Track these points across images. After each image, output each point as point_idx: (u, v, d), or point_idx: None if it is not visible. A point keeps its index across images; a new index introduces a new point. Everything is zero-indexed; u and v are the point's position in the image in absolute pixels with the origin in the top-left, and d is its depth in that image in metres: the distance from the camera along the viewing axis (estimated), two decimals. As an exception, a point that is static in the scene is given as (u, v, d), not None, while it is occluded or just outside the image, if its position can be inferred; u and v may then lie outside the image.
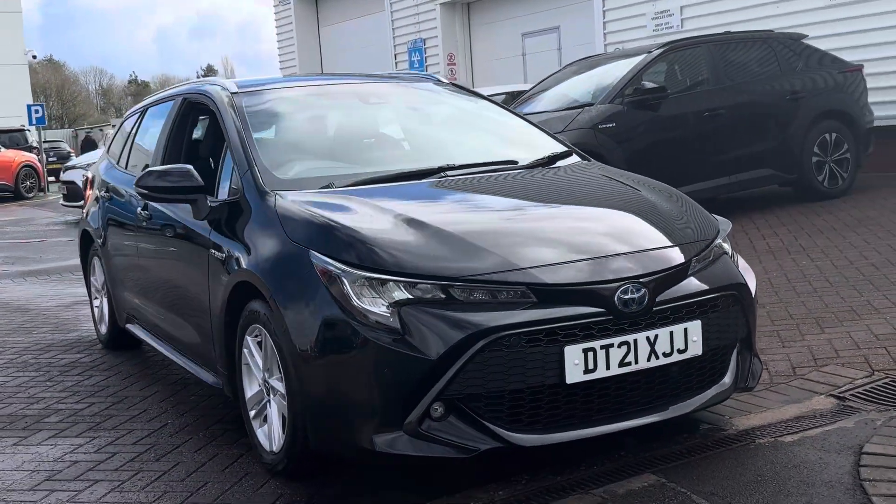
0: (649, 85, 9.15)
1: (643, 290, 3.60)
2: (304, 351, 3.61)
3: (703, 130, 9.48)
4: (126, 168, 6.11)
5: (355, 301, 3.51)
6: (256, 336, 4.03)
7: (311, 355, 3.59)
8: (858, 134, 10.26)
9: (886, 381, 4.46)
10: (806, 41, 10.53)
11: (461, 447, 3.46)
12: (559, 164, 4.82)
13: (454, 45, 19.09)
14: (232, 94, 4.96)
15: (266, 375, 4.00)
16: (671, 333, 3.63)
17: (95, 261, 6.51)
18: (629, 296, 3.57)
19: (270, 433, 4.00)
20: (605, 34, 15.47)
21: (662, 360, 3.61)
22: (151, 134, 5.96)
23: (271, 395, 3.98)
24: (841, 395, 4.33)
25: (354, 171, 4.56)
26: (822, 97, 10.06)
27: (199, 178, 4.52)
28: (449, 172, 4.52)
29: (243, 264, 4.07)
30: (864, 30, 11.89)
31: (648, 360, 3.60)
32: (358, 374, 3.51)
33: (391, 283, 3.52)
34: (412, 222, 3.84)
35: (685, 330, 3.65)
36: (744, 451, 3.78)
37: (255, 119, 4.75)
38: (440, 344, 3.40)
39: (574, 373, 3.49)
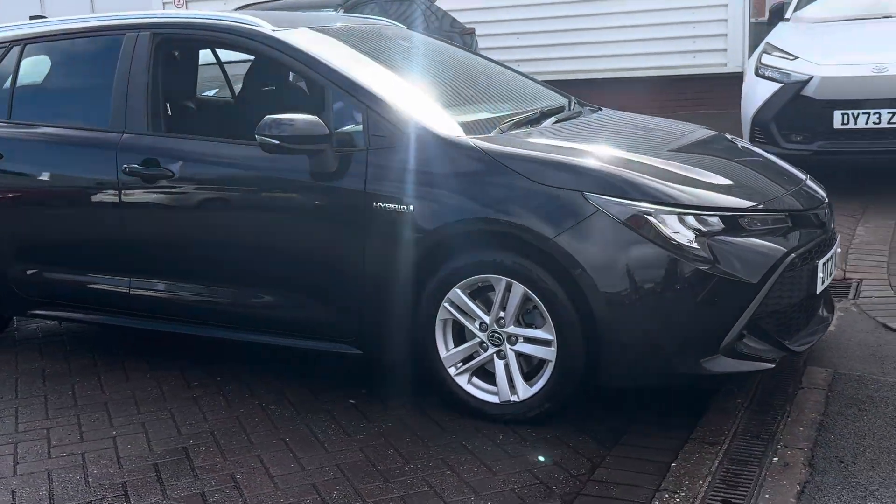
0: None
1: (829, 212, 4.27)
2: (614, 293, 3.66)
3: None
4: (10, 120, 4.99)
5: (673, 236, 3.66)
6: (471, 289, 3.90)
7: (624, 296, 3.65)
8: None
9: None
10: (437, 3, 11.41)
11: (763, 359, 3.83)
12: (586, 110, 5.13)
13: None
14: (274, 34, 4.49)
15: (496, 326, 3.90)
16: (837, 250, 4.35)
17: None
18: (826, 217, 4.21)
19: (510, 382, 3.91)
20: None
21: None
22: (62, 78, 5.05)
23: (504, 344, 3.90)
24: None
25: (493, 114, 4.47)
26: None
27: (326, 126, 4.11)
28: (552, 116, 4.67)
29: (460, 214, 3.87)
30: None
31: (830, 274, 4.26)
32: (683, 306, 3.67)
33: (691, 216, 3.73)
34: (642, 161, 4.02)
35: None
36: None
37: None
38: (760, 268, 3.72)
39: (819, 285, 4.05)
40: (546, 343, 3.83)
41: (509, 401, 3.93)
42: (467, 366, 4.01)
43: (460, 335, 4.04)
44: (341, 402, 4.26)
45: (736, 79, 10.28)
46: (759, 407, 3.90)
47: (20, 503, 3.50)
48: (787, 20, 8.70)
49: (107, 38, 4.90)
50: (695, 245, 3.65)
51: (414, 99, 4.30)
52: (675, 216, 3.69)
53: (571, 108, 4.98)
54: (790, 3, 8.97)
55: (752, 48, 10.70)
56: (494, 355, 3.95)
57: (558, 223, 3.71)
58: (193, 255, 4.48)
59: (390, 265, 4.02)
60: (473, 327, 3.96)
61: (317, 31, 4.71)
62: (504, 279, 3.84)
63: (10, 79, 5.03)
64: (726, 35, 12.00)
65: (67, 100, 5.04)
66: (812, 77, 7.45)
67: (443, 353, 4.04)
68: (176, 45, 4.94)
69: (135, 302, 4.66)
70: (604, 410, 4.00)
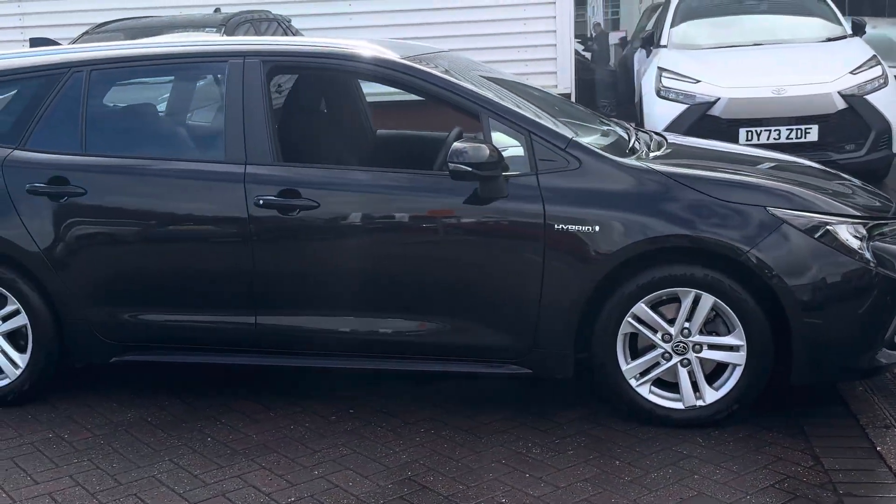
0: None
1: None
2: (806, 297, 4.03)
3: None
4: (85, 151, 4.64)
5: (847, 243, 4.10)
6: (652, 303, 4.16)
7: (814, 299, 4.03)
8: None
9: None
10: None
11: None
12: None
13: None
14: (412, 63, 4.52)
15: (683, 335, 4.17)
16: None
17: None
18: None
19: (697, 390, 4.18)
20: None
21: None
22: (146, 107, 4.78)
23: (689, 353, 4.18)
24: None
25: (606, 139, 4.67)
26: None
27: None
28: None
29: (647, 233, 4.10)
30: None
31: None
32: (861, 305, 4.10)
33: (857, 225, 4.18)
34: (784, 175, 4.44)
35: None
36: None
37: None
38: (917, 268, 4.23)
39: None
40: (733, 349, 4.13)
41: (694, 406, 4.19)
42: (649, 376, 4.23)
43: (633, 348, 4.25)
44: (521, 423, 4.34)
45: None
46: (882, 393, 4.41)
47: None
48: (665, 46, 9.45)
49: (201, 65, 4.68)
50: (864, 250, 4.09)
51: (567, 124, 4.46)
52: (846, 226, 4.11)
53: (631, 132, 5.27)
54: (661, 31, 9.74)
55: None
56: (678, 363, 4.19)
57: (750, 236, 4.03)
58: (345, 286, 4.38)
59: (570, 284, 4.17)
60: (656, 339, 4.18)
61: (412, 59, 4.72)
62: (693, 291, 4.10)
63: (78, 107, 4.63)
64: (555, 59, 12.71)
65: (156, 130, 4.76)
66: (719, 98, 8.20)
67: (623, 365, 4.23)
68: (289, 72, 4.78)
69: (264, 338, 4.48)
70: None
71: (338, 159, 4.81)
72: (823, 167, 5.16)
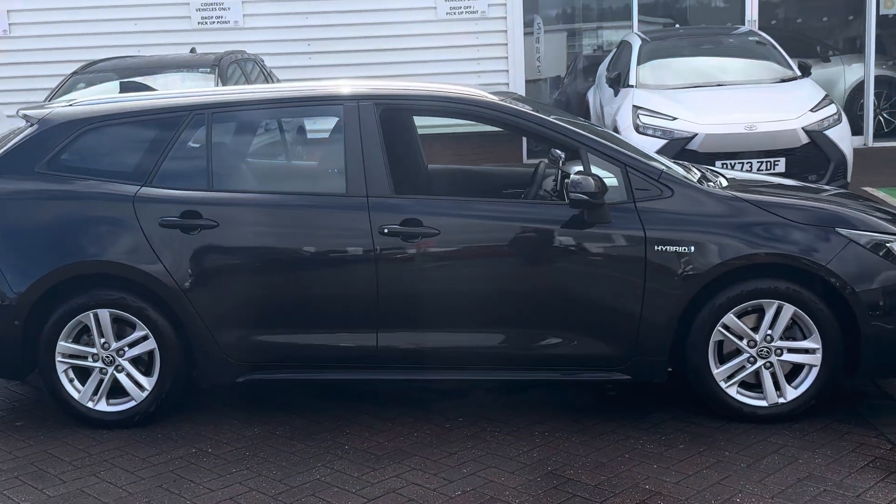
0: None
1: None
2: (874, 305, 4.69)
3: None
4: (213, 187, 5.03)
5: (903, 257, 4.81)
6: (743, 311, 4.78)
7: (882, 306, 4.69)
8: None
9: None
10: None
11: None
12: None
13: None
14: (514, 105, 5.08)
15: (766, 341, 4.80)
16: None
17: (103, 313, 4.99)
18: None
19: (778, 389, 4.80)
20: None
21: None
22: (267, 146, 5.18)
23: (772, 356, 4.80)
24: None
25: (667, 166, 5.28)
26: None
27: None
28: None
29: (738, 251, 4.71)
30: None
31: None
32: (917, 310, 4.81)
33: None
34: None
35: None
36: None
37: None
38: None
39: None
40: (809, 351, 4.76)
41: (777, 402, 4.81)
42: (736, 378, 4.83)
43: (719, 353, 4.85)
44: (622, 424, 4.88)
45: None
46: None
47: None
48: (633, 86, 10.19)
49: (317, 108, 5.14)
50: (909, 262, 4.80)
51: (650, 156, 5.07)
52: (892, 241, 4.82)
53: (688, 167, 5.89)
54: (628, 71, 10.49)
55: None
56: (762, 366, 4.80)
57: (824, 253, 4.69)
58: (464, 305, 4.85)
59: (668, 299, 4.75)
60: (742, 345, 4.79)
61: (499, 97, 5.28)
62: (776, 302, 4.73)
63: (203, 147, 5.02)
64: (507, 84, 13.41)
65: (278, 166, 5.16)
66: (697, 134, 8.97)
67: (714, 369, 4.82)
68: (399, 113, 5.26)
69: (383, 355, 4.91)
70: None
71: (434, 190, 5.28)
72: (858, 195, 5.89)
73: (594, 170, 4.84)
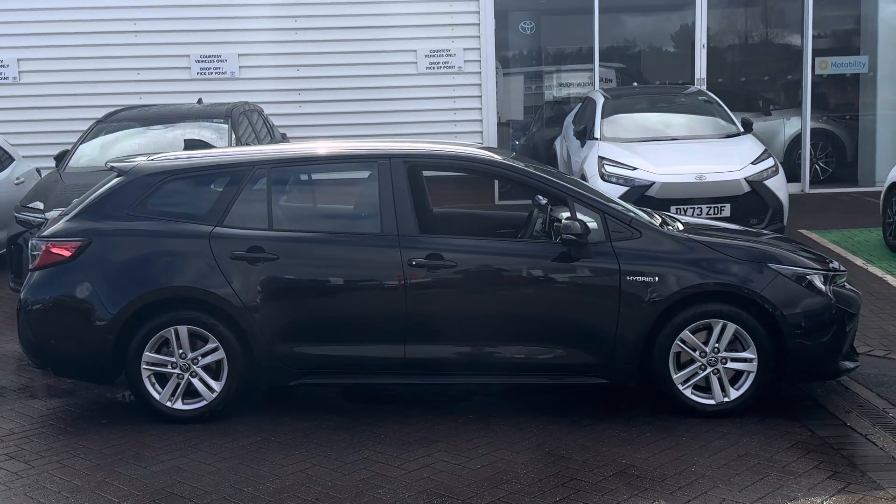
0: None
1: None
2: (797, 325, 6.00)
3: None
4: (272, 227, 6.23)
5: (823, 288, 6.13)
6: (696, 328, 6.07)
7: (803, 326, 5.99)
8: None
9: None
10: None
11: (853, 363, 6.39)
12: None
13: None
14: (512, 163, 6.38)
15: (713, 352, 6.08)
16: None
17: (182, 329, 6.16)
18: None
19: (724, 390, 6.08)
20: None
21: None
22: (318, 194, 6.45)
23: (719, 364, 6.07)
24: None
25: (634, 213, 6.63)
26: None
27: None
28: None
29: (692, 281, 6.01)
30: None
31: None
32: (823, 328, 6.07)
33: (822, 275, 6.22)
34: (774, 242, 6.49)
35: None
36: None
37: None
38: (856, 304, 6.29)
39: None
40: (748, 360, 6.05)
41: (723, 401, 6.08)
42: (690, 382, 6.10)
43: (677, 362, 6.13)
44: (601, 419, 6.13)
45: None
46: (834, 391, 6.44)
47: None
48: (598, 139, 11.55)
49: (357, 164, 6.41)
50: (829, 293, 6.12)
51: (620, 204, 6.39)
52: (818, 276, 6.14)
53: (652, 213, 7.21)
54: (593, 125, 11.86)
55: (501, 144, 13.99)
56: (711, 372, 6.08)
57: (759, 283, 6.00)
58: (477, 323, 6.09)
59: (638, 319, 6.02)
60: (696, 355, 6.07)
61: (495, 152, 6.58)
62: (721, 321, 6.02)
63: (264, 195, 6.23)
64: (482, 132, 14.73)
65: (325, 211, 6.39)
66: (654, 182, 10.34)
67: (673, 375, 6.09)
68: (419, 167, 6.53)
69: (410, 363, 6.13)
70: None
71: (440, 230, 6.53)
72: (790, 238, 7.26)
73: (579, 215, 6.14)
